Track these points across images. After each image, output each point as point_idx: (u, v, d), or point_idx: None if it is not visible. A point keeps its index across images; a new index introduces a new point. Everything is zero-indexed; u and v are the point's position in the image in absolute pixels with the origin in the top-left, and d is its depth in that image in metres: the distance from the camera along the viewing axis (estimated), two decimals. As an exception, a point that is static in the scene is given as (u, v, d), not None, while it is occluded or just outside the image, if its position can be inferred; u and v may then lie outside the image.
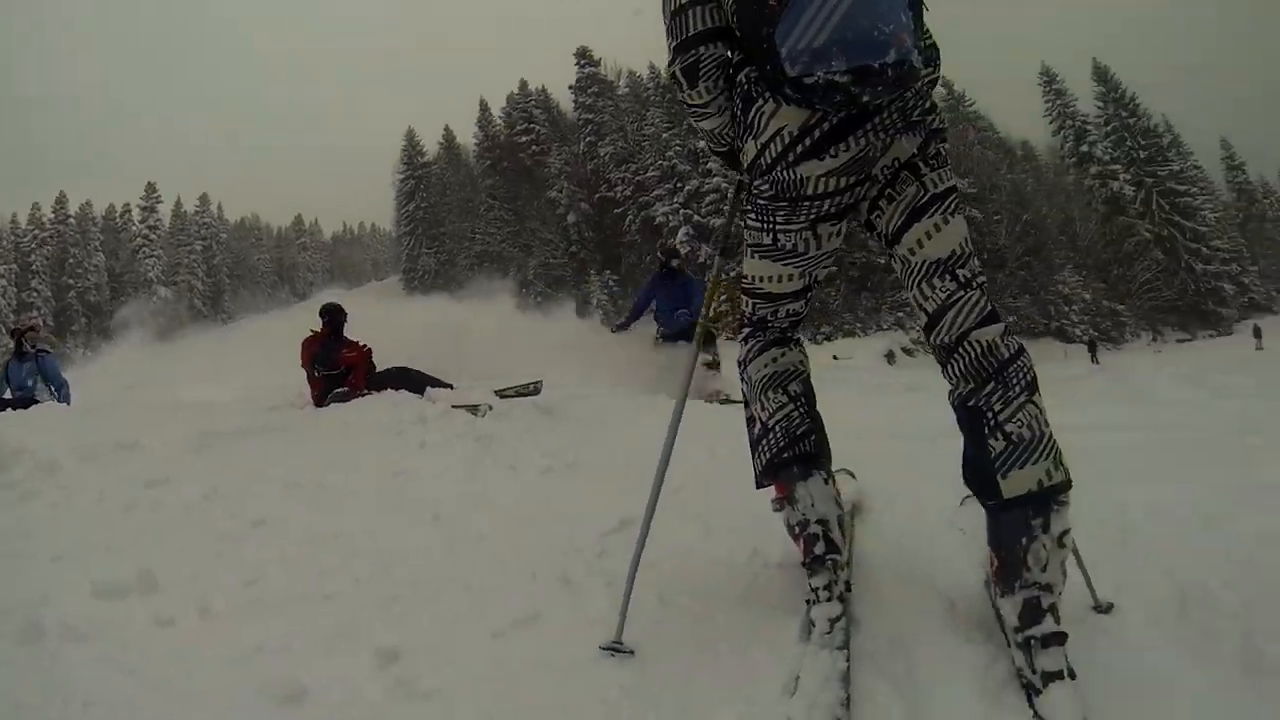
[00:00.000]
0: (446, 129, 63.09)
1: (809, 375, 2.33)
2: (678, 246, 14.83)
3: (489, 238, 55.59)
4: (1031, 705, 1.72)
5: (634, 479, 2.77)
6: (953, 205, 1.98)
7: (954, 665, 1.90)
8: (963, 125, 47.83)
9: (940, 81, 2.12)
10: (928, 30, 2.02)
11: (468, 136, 61.29)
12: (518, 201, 55.94)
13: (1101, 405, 8.81)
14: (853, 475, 2.92)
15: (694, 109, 2.09)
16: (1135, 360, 27.13)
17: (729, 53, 2.01)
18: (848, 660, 1.87)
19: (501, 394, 6.40)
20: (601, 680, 1.92)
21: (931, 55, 2.03)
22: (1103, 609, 2.11)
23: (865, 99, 1.79)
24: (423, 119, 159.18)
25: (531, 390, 6.67)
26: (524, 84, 60.02)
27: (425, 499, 3.55)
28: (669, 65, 2.05)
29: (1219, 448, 4.39)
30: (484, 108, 59.88)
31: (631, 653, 2.01)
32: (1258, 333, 35.76)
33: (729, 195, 2.42)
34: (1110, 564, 2.24)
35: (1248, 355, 25.91)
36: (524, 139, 57.30)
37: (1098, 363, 29.56)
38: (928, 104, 1.97)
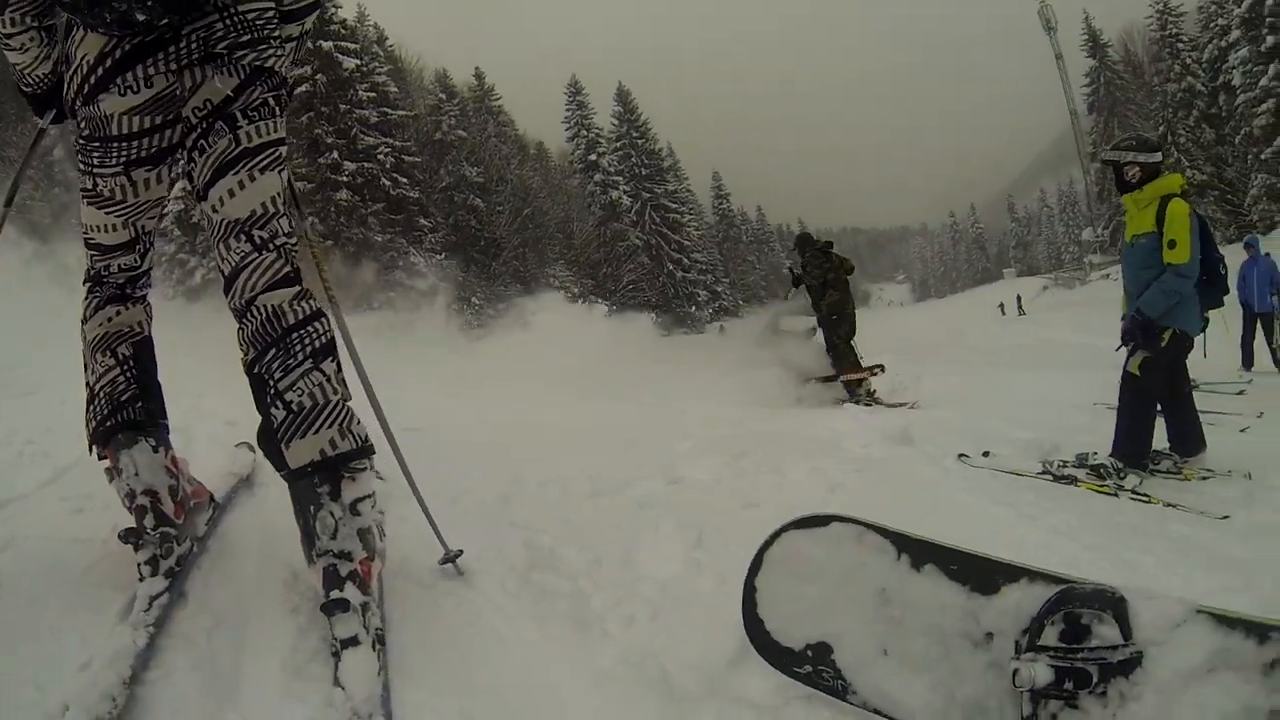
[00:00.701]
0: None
1: (148, 337, 2.20)
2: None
3: None
4: (336, 673, 1.70)
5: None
6: (265, 162, 1.88)
7: (272, 639, 1.91)
8: (485, 117, 48.50)
9: (306, 32, 2.06)
10: None
11: None
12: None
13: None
14: (379, 475, 2.87)
15: (3, 38, 1.91)
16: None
17: None
18: (150, 639, 1.77)
19: None
20: None
21: None
22: (451, 558, 2.41)
23: (141, 18, 1.66)
24: None
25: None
26: None
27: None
28: None
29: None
30: None
31: None
32: (722, 330, 42.69)
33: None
34: (476, 529, 2.78)
35: (713, 350, 29.36)
36: None
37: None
38: (249, 37, 1.83)
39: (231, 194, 1.86)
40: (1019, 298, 39.41)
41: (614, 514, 3.29)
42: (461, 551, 2.50)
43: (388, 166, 34.16)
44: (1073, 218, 70.33)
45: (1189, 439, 4.65)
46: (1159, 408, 4.70)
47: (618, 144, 57.27)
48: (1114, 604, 1.33)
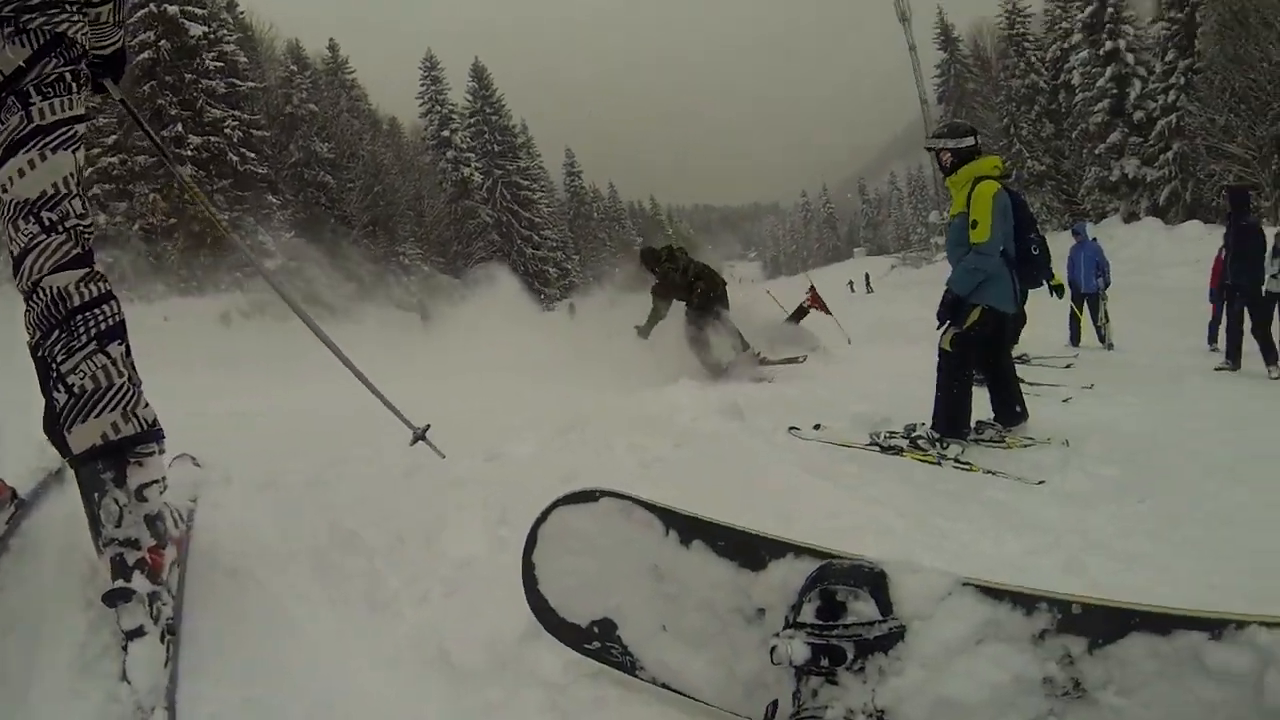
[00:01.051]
0: None
1: None
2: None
3: None
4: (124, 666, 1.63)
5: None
6: (58, 140, 1.81)
7: (65, 637, 1.82)
8: (338, 90, 46.57)
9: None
10: None
11: None
12: None
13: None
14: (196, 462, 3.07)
15: None
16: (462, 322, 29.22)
17: None
18: None
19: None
20: None
21: None
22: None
23: None
24: None
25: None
26: None
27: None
28: None
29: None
30: None
31: None
32: (572, 309, 40.55)
33: None
34: (286, 512, 2.83)
35: (563, 327, 28.40)
36: None
37: (426, 323, 30.84)
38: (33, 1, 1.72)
39: (21, 173, 1.80)
40: (867, 276, 41.13)
41: (426, 492, 3.17)
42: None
43: (235, 141, 32.05)
44: (921, 201, 73.68)
45: (1010, 410, 4.87)
46: (981, 380, 4.95)
47: (471, 120, 56.43)
48: (871, 579, 1.31)
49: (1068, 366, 8.69)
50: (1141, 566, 2.83)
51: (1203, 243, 24.78)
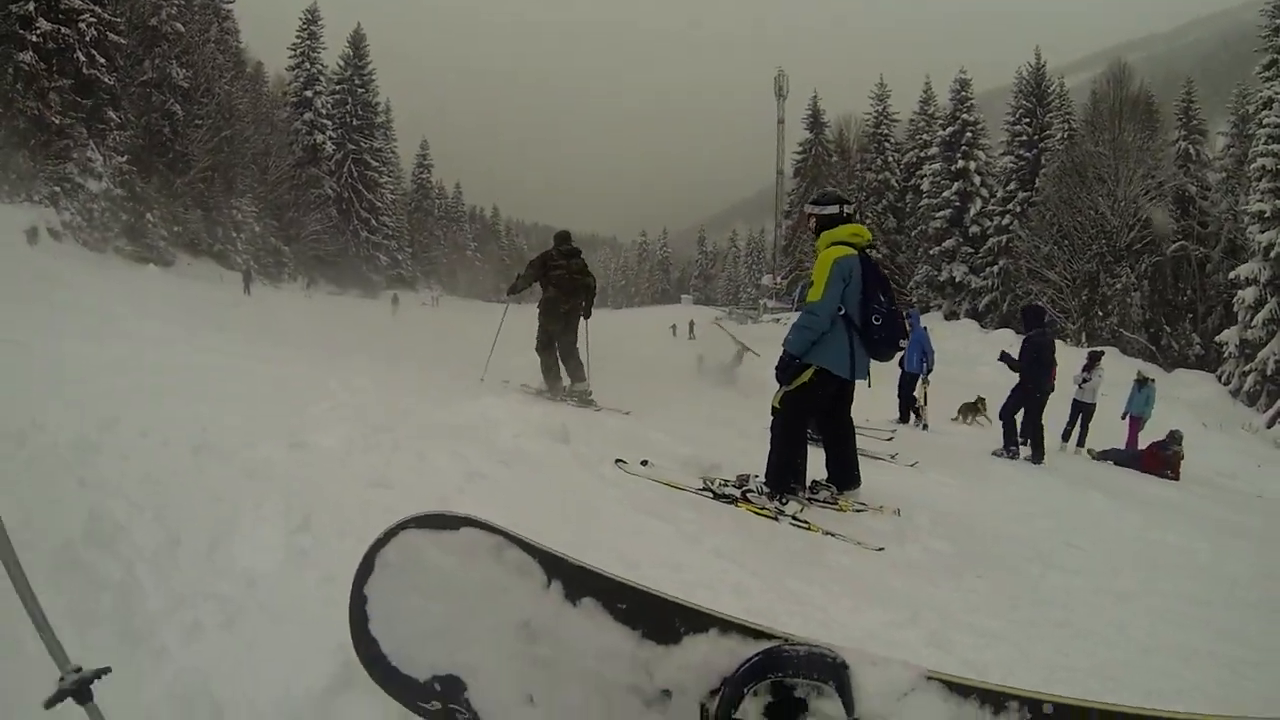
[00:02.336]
0: None
1: None
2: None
3: None
4: None
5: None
6: None
7: None
8: (210, 16, 43.19)
9: None
10: None
11: None
12: None
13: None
14: None
15: None
16: (285, 299, 28.56)
17: None
18: None
19: None
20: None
21: None
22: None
23: None
24: None
25: None
26: None
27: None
28: None
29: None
30: None
31: None
32: (395, 300, 39.84)
33: None
34: (38, 483, 2.27)
35: (384, 319, 28.82)
36: None
37: (249, 294, 29.18)
38: None
39: None
40: (691, 323, 42.40)
41: (216, 479, 2.63)
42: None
43: (88, 39, 28.58)
44: (757, 263, 77.46)
45: (845, 474, 4.81)
46: (819, 440, 4.91)
47: (338, 87, 54.34)
48: (834, 672, 1.01)
49: (889, 438, 9.09)
50: (1000, 644, 2.83)
51: (1012, 349, 27.55)
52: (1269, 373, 25.52)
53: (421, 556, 1.25)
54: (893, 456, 7.63)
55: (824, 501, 4.70)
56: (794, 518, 4.27)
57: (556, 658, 1.19)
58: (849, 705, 0.99)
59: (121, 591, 1.81)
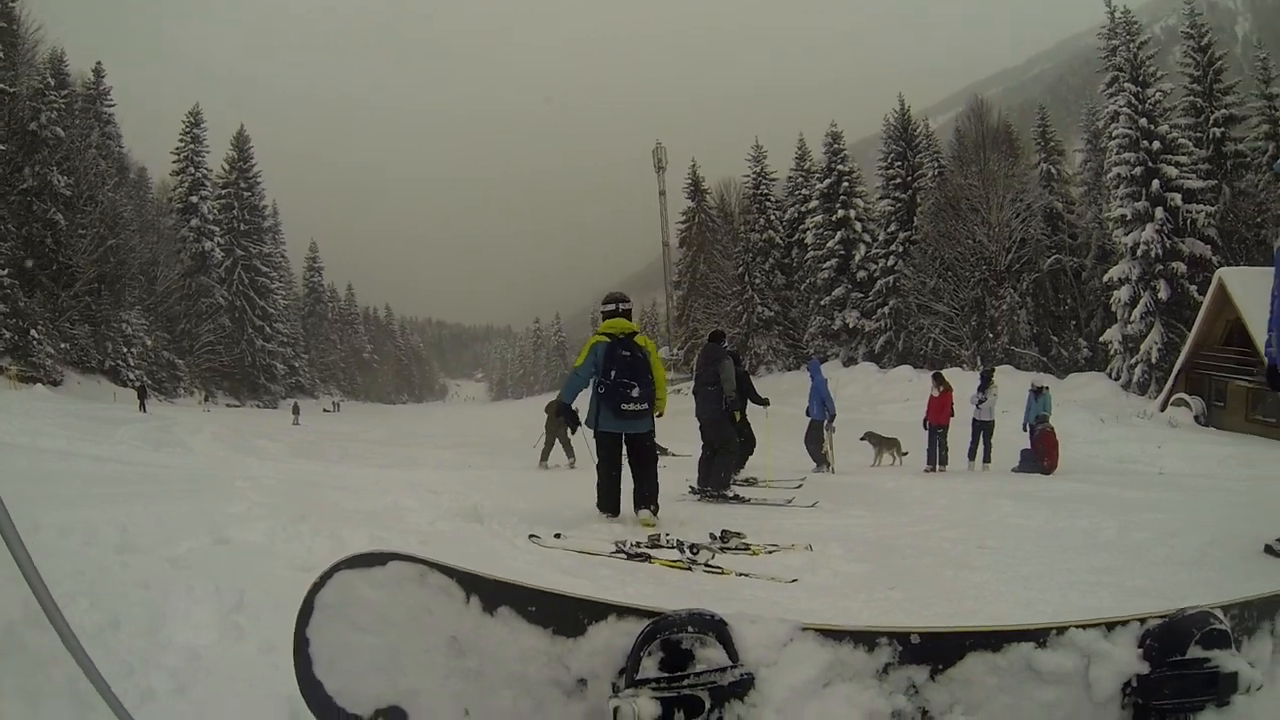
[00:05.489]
0: None
1: None
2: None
3: None
4: None
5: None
6: None
7: None
8: (91, 122, 43.34)
9: None
10: None
11: None
12: None
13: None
14: None
15: None
16: (182, 414, 26.76)
17: None
18: None
19: None
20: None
21: None
22: None
23: None
24: None
25: None
26: None
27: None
28: None
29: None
30: None
31: None
32: (296, 410, 39.37)
33: None
34: None
35: (285, 426, 29.18)
36: None
37: (145, 410, 27.60)
38: None
39: None
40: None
41: (142, 571, 2.70)
42: None
43: None
44: (651, 336, 77.60)
45: (639, 495, 6.22)
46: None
47: (223, 191, 53.37)
48: (714, 626, 1.21)
49: (799, 486, 9.51)
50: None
51: (912, 384, 29.06)
52: (1154, 360, 27.27)
53: (355, 594, 1.40)
54: (788, 501, 8.08)
55: (735, 548, 4.99)
56: (707, 565, 4.48)
57: (483, 667, 1.35)
58: (733, 655, 1.19)
59: (71, 664, 1.84)
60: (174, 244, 47.28)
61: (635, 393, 6.03)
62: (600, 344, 6.16)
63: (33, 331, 30.67)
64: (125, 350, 39.96)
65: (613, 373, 6.03)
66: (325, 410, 51.76)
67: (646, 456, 6.27)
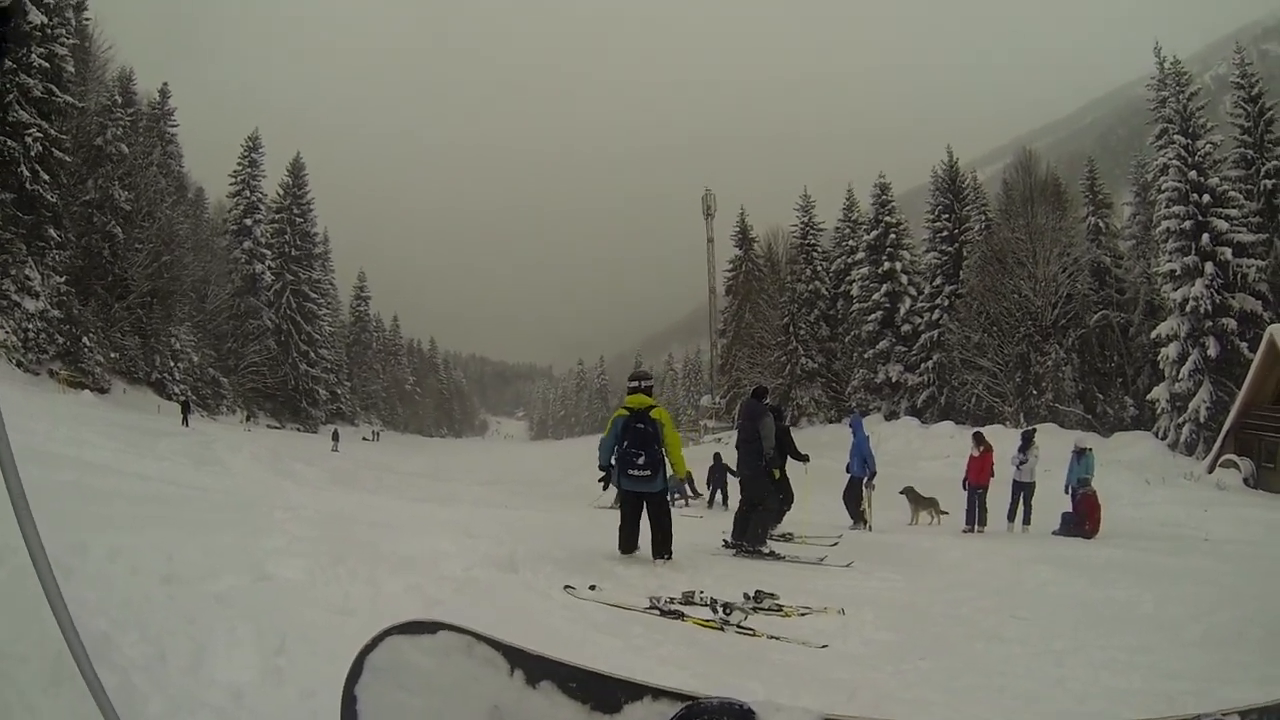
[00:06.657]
0: None
1: None
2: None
3: None
4: None
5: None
6: None
7: None
8: (154, 140, 44.04)
9: None
10: None
11: None
12: None
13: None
14: None
15: None
16: (223, 432, 26.86)
17: None
18: None
19: None
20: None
21: None
22: None
23: None
24: None
25: None
26: None
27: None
28: None
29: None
30: None
31: None
32: (336, 436, 40.57)
33: None
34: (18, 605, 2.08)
35: (324, 452, 29.53)
36: None
37: (187, 424, 27.49)
38: None
39: None
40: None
41: (187, 605, 2.77)
42: None
43: (33, 154, 28.31)
44: (695, 384, 77.18)
45: (655, 545, 7.07)
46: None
47: (277, 216, 54.06)
48: (743, 715, 1.26)
49: (834, 544, 9.41)
50: (935, 709, 3.03)
51: (954, 440, 28.41)
52: (1202, 420, 26.22)
53: (404, 658, 1.47)
54: (822, 560, 8.07)
55: (768, 609, 5.00)
56: (739, 626, 4.50)
57: (523, 736, 1.41)
58: None
59: (123, 694, 1.93)
60: (226, 264, 48.09)
61: (641, 460, 7.03)
62: (620, 418, 7.28)
63: (85, 339, 31.39)
64: (172, 364, 40.67)
65: (625, 443, 7.10)
66: (365, 439, 52.05)
67: (656, 511, 7.24)
